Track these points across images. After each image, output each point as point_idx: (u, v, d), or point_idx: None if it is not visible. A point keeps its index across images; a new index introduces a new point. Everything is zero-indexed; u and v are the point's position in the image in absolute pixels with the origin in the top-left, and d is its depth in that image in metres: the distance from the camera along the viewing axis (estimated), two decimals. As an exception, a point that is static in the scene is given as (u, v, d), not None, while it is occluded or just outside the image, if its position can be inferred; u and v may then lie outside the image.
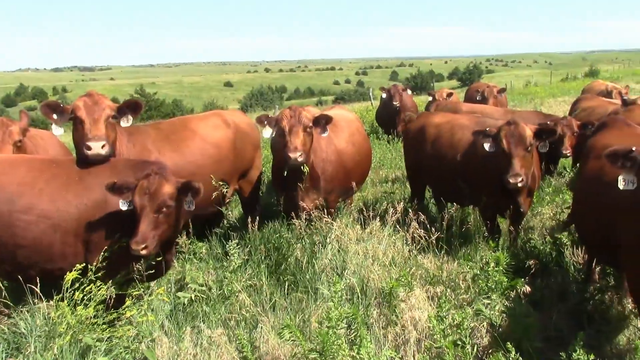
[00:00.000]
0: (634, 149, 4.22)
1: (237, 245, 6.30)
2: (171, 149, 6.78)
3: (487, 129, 6.75)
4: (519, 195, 6.87)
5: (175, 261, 6.55)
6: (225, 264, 6.20)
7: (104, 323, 4.79)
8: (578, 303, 5.79)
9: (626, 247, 4.70)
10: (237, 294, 5.74)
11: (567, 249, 6.53)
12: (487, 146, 6.68)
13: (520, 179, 6.32)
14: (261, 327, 5.27)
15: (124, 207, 4.96)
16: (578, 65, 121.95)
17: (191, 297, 5.62)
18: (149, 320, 5.00)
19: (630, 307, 5.71)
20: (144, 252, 4.76)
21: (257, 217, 6.88)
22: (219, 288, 5.80)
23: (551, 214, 8.31)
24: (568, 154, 9.39)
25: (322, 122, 6.94)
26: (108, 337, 4.70)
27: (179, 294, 5.70)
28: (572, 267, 6.41)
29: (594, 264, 6.33)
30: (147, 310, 5.15)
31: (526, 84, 44.93)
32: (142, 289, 5.35)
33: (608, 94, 13.98)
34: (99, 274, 4.81)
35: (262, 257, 6.42)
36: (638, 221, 4.43)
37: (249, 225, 6.66)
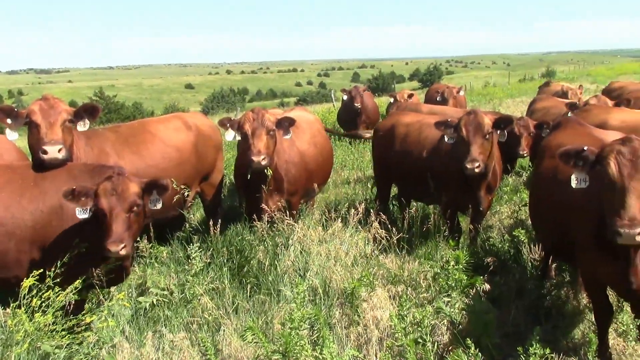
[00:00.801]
0: (585, 148, 4.34)
1: (199, 249, 6.26)
2: (131, 152, 6.71)
3: (449, 119, 6.91)
4: (479, 191, 7.00)
5: (135, 265, 6.48)
6: (187, 267, 6.16)
7: (63, 330, 4.71)
8: (535, 299, 5.92)
9: (580, 244, 4.82)
10: (199, 297, 5.71)
11: (524, 246, 6.64)
12: (447, 137, 6.85)
13: (477, 164, 6.45)
14: (224, 330, 5.26)
15: (81, 215, 4.88)
16: (535, 66, 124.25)
17: (152, 301, 5.58)
18: (109, 325, 4.94)
19: (585, 302, 5.86)
20: (123, 252, 4.70)
21: (220, 220, 6.83)
22: (180, 292, 5.77)
23: (509, 213, 8.49)
24: (525, 154, 9.58)
25: (286, 124, 6.94)
26: (68, 344, 4.63)
27: (140, 298, 5.64)
28: (530, 264, 6.53)
29: (550, 261, 6.49)
30: (108, 316, 5.09)
31: (485, 85, 45.62)
32: (102, 295, 5.29)
33: (563, 94, 14.30)
34: (57, 280, 4.73)
35: (225, 260, 6.39)
36: (591, 218, 4.55)
37: (211, 228, 6.62)
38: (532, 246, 6.61)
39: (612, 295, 5.18)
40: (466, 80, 54.22)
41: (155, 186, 5.01)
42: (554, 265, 6.52)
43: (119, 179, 4.87)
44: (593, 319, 5.32)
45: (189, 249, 6.21)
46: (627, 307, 5.05)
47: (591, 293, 5.08)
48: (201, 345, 4.17)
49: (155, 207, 5.10)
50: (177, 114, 8.16)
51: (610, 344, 4.94)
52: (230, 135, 6.87)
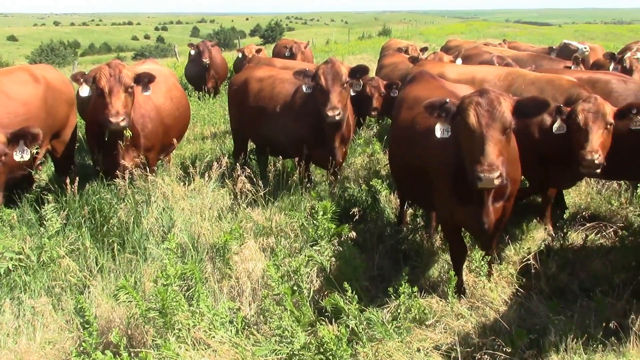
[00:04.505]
0: (447, 100, 4.62)
1: (54, 209, 5.90)
2: (-31, 107, 6.09)
3: (307, 69, 7.00)
4: (334, 143, 7.20)
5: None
6: (42, 229, 5.80)
7: None
8: (395, 243, 6.27)
9: (438, 190, 5.17)
10: (59, 259, 5.41)
11: (381, 195, 6.98)
12: (305, 87, 6.94)
13: (337, 112, 6.65)
14: (90, 292, 5.07)
15: None
16: (371, 24, 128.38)
17: (8, 267, 5.19)
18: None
19: (438, 244, 6.31)
20: None
21: (77, 178, 6.44)
22: (38, 255, 5.42)
23: (363, 164, 8.86)
24: (375, 114, 10.02)
25: (145, 80, 6.65)
26: None
27: (-7, 264, 5.23)
28: (386, 211, 6.89)
29: (405, 208, 6.89)
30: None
31: (327, 42, 46.48)
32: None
33: (405, 51, 15.02)
34: None
35: (83, 220, 6.08)
36: (447, 165, 4.88)
37: (68, 187, 6.24)
38: (387, 195, 6.98)
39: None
40: (307, 37, 54.61)
41: (22, 136, 4.66)
42: (408, 212, 6.93)
43: None
44: (448, 259, 5.77)
45: (42, 210, 5.84)
46: (477, 245, 5.52)
47: (448, 234, 5.49)
48: (79, 306, 3.96)
49: (22, 159, 4.75)
50: (23, 66, 7.51)
51: (464, 280, 5.40)
52: (85, 91, 6.46)
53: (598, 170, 5.51)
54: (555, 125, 5.76)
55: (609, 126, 5.60)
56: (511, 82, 6.91)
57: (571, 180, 6.59)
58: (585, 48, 11.34)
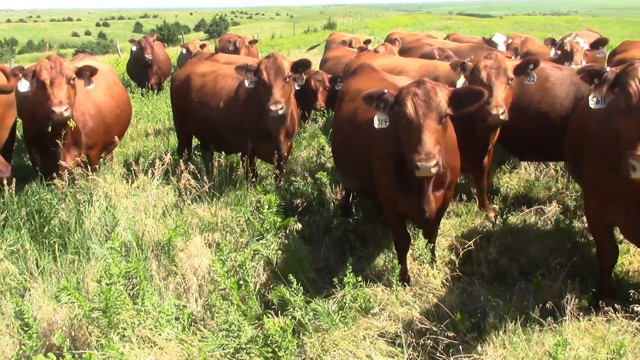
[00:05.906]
0: (385, 91, 4.69)
1: (-10, 212, 5.76)
2: None
3: (249, 64, 6.98)
4: (279, 136, 7.23)
5: None
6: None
7: None
8: (341, 235, 6.34)
9: (380, 180, 5.25)
10: (-3, 262, 5.28)
11: (326, 187, 7.03)
12: (247, 82, 6.93)
13: (280, 106, 6.64)
14: (31, 294, 4.95)
15: None
16: (316, 18, 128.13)
17: (-57, 272, 5.04)
18: None
19: (379, 234, 6.39)
20: None
21: (14, 179, 6.27)
22: (-25, 259, 5.28)
23: (309, 157, 8.90)
24: (321, 108, 10.06)
25: (87, 73, 6.55)
26: None
27: None
28: (332, 203, 6.95)
29: (350, 199, 6.97)
30: None
31: (272, 36, 46.33)
32: None
33: (349, 44, 15.13)
34: None
35: (22, 222, 5.94)
36: (388, 156, 4.96)
37: (5, 189, 6.07)
38: (333, 187, 7.04)
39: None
40: (253, 31, 54.31)
41: None
42: (353, 203, 7.00)
43: None
44: (392, 249, 5.86)
45: (-22, 213, 5.69)
46: (420, 233, 5.63)
47: (391, 224, 5.57)
48: (18, 309, 3.88)
49: None
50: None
51: (408, 268, 5.50)
52: (25, 86, 6.30)
53: (503, 117, 5.78)
54: (459, 82, 6.11)
55: (510, 82, 6.00)
56: (424, 73, 7.46)
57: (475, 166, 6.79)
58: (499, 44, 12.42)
